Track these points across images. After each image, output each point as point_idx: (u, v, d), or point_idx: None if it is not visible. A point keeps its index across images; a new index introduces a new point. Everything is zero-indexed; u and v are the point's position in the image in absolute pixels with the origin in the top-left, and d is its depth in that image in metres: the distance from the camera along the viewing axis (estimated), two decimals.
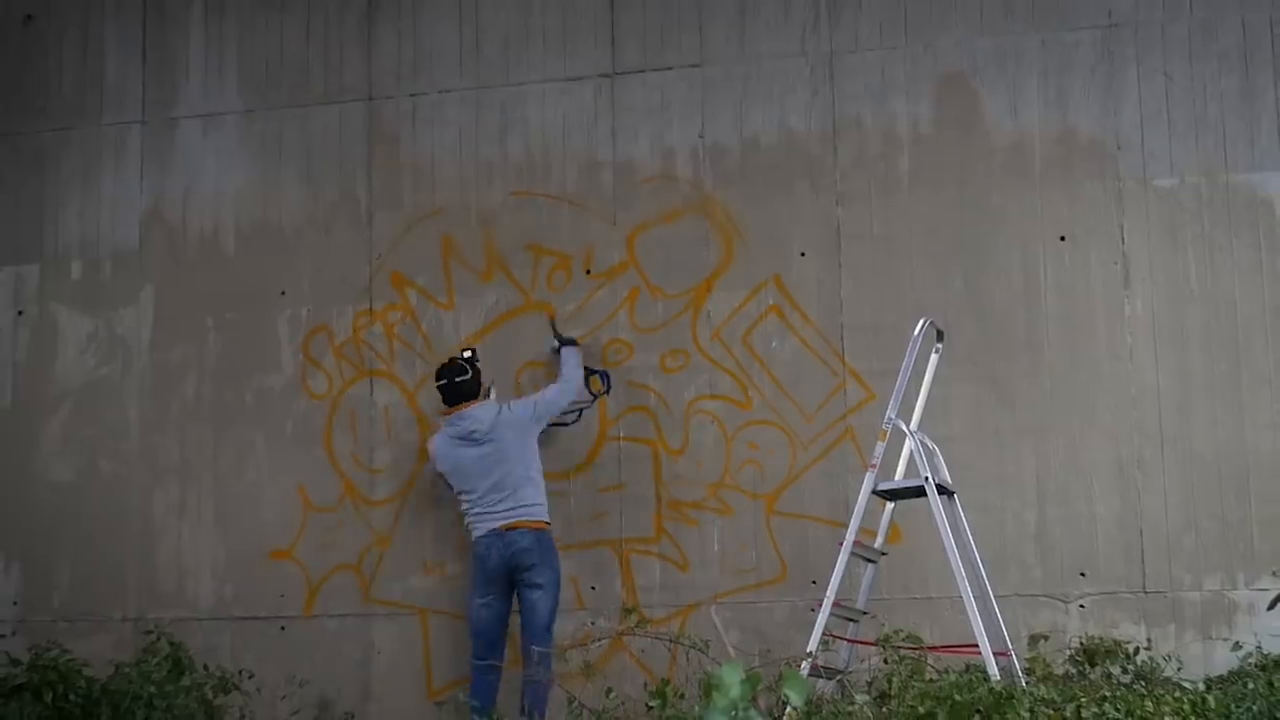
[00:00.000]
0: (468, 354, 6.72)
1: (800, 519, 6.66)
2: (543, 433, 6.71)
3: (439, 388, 6.65)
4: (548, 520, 6.56)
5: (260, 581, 7.09)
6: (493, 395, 6.73)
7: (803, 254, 6.81)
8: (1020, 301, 6.61)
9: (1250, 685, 5.13)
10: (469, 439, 6.55)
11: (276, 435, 7.17)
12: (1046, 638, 5.98)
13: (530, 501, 6.52)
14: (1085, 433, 6.49)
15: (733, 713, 2.20)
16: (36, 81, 7.67)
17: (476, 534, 6.54)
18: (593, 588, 6.80)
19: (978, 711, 4.47)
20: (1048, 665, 5.78)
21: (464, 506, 6.61)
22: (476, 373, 6.65)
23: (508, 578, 6.50)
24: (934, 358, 6.20)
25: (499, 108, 7.17)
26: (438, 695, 6.68)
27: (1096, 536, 6.43)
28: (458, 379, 6.60)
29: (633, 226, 6.97)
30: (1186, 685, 5.30)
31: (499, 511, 6.49)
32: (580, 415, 6.88)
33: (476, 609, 6.54)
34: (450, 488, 6.71)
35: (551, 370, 6.89)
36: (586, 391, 6.82)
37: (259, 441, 7.19)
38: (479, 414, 6.57)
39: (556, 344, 6.83)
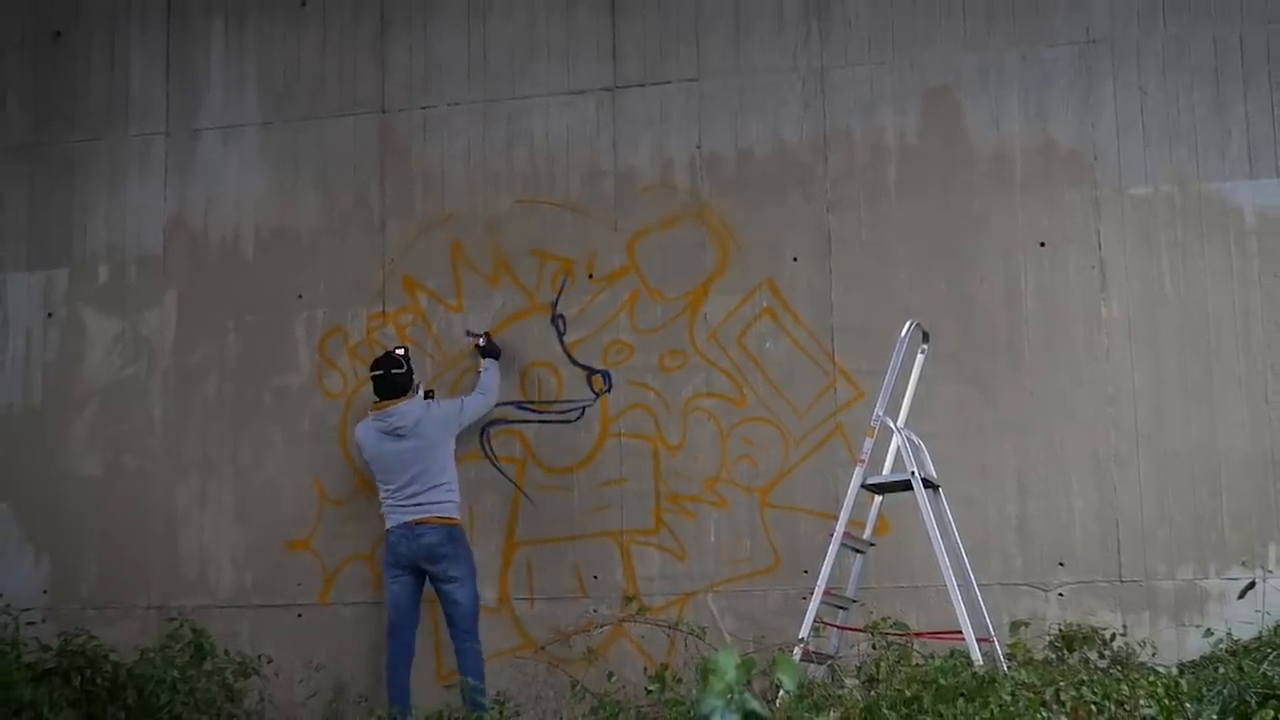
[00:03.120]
0: (402, 350, 6.77)
1: (792, 511, 6.65)
2: (546, 430, 6.70)
3: (373, 378, 6.69)
4: (457, 517, 6.60)
5: (278, 571, 7.09)
6: (419, 395, 6.73)
7: (795, 259, 6.81)
8: (1002, 304, 6.61)
9: (1221, 670, 5.12)
10: (393, 433, 6.59)
11: (294, 432, 7.17)
12: (1027, 624, 5.97)
13: (440, 500, 6.55)
14: (1064, 429, 6.49)
15: (728, 696, 2.20)
16: (65, 94, 7.67)
17: (389, 524, 6.60)
18: (595, 577, 6.80)
19: (962, 694, 4.46)
20: (1028, 651, 5.78)
21: (381, 496, 6.67)
22: (410, 370, 6.69)
23: (417, 567, 6.55)
24: (920, 358, 6.20)
25: (505, 119, 7.17)
26: (446, 679, 6.67)
27: (1075, 528, 6.43)
28: (393, 371, 6.64)
29: (633, 232, 6.97)
30: (1160, 670, 5.29)
31: (409, 505, 6.54)
32: (583, 413, 6.88)
33: (389, 586, 6.59)
34: (371, 475, 6.77)
35: (556, 371, 6.89)
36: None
37: (277, 438, 7.19)
38: (406, 410, 6.59)
39: (482, 346, 6.88)
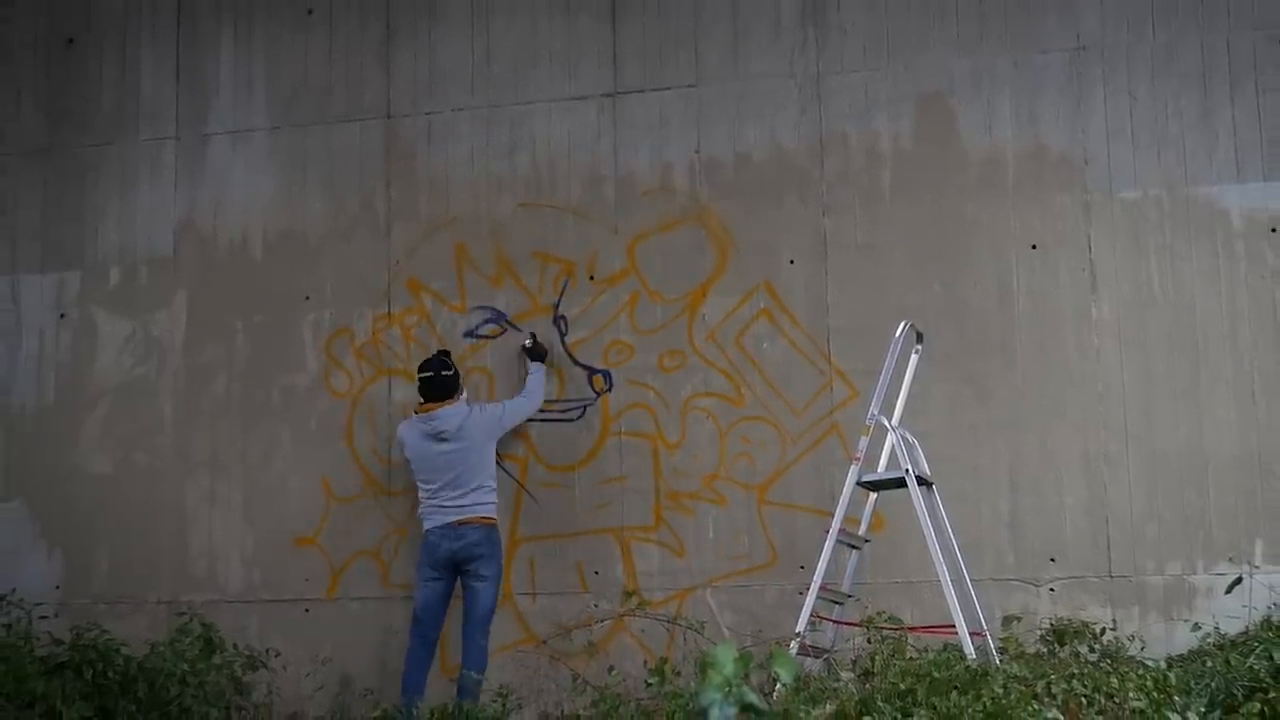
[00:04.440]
0: (444, 350, 6.78)
1: (789, 508, 6.65)
2: (548, 429, 6.71)
3: (422, 379, 6.66)
4: (495, 518, 6.61)
5: (286, 567, 7.09)
6: (464, 397, 6.72)
7: (792, 261, 6.81)
8: (994, 306, 6.61)
9: (1209, 663, 5.13)
10: (437, 436, 6.57)
11: (301, 430, 7.17)
12: (1019, 619, 5.98)
13: (482, 500, 6.56)
14: (1055, 428, 6.49)
15: (726, 689, 2.20)
16: (78, 100, 7.67)
17: (428, 525, 6.58)
18: (596, 572, 6.80)
19: (955, 687, 4.46)
20: (1020, 645, 5.78)
21: (421, 495, 6.65)
22: (457, 373, 6.70)
23: (454, 568, 6.55)
24: (914, 358, 6.21)
25: (508, 125, 7.17)
26: (450, 673, 6.67)
27: (1065, 525, 6.43)
28: (443, 373, 6.63)
29: (633, 235, 6.97)
30: (1149, 663, 5.29)
31: (452, 507, 6.53)
32: (584, 412, 6.88)
33: (422, 587, 6.58)
34: (412, 473, 6.73)
35: (558, 370, 6.89)
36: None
37: (285, 436, 7.19)
38: (450, 414, 6.58)
39: (529, 348, 6.84)
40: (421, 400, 6.68)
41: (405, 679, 6.50)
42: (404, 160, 7.26)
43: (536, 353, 6.84)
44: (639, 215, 6.97)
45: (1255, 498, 6.30)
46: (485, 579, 6.50)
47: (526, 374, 6.84)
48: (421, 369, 6.70)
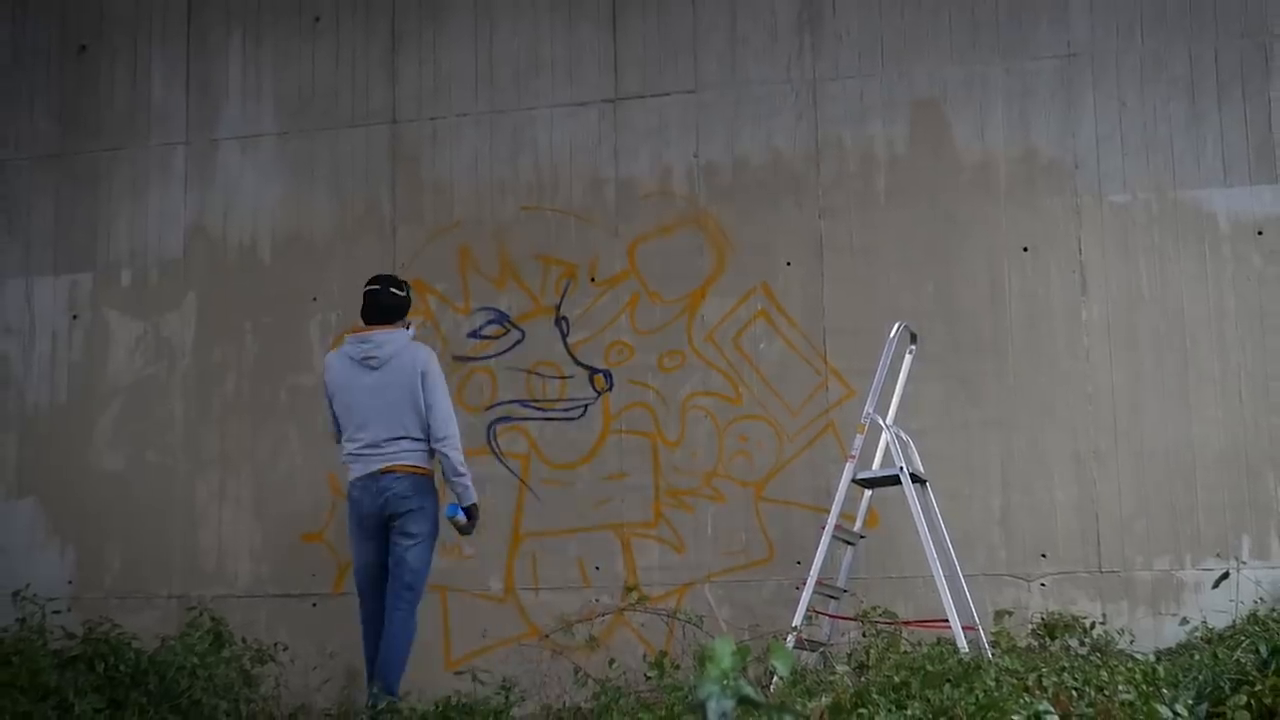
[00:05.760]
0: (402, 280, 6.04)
1: (786, 505, 6.65)
2: (550, 427, 6.70)
3: (366, 293, 5.82)
4: (428, 466, 5.72)
5: (293, 562, 7.09)
6: (410, 330, 5.96)
7: (788, 263, 6.81)
8: (987, 307, 6.61)
9: (1196, 657, 5.12)
10: (365, 363, 5.71)
11: (308, 429, 7.16)
12: (1010, 613, 5.98)
13: (412, 449, 5.65)
14: (1046, 426, 6.49)
15: (724, 682, 2.20)
16: (90, 106, 7.67)
17: (351, 476, 5.72)
18: (597, 568, 6.80)
19: (948, 680, 4.46)
20: (1012, 638, 5.78)
21: (342, 441, 5.83)
22: (409, 299, 5.89)
23: (382, 525, 5.65)
24: (908, 358, 6.21)
25: (511, 130, 7.17)
26: (455, 665, 6.67)
27: (1056, 521, 6.43)
28: (391, 289, 5.79)
29: (633, 238, 6.97)
30: (1138, 657, 5.29)
31: (375, 454, 5.65)
32: (585, 411, 6.88)
33: (355, 555, 5.80)
34: (334, 423, 5.94)
35: (559, 370, 6.89)
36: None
37: (292, 434, 7.19)
38: (386, 338, 5.67)
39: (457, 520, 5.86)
40: (362, 323, 5.88)
41: (370, 663, 5.82)
42: (409, 164, 7.26)
43: (467, 519, 5.88)
44: (639, 218, 6.98)
45: (1242, 494, 6.30)
46: (414, 537, 5.60)
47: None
48: (369, 281, 5.87)
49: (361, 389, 5.70)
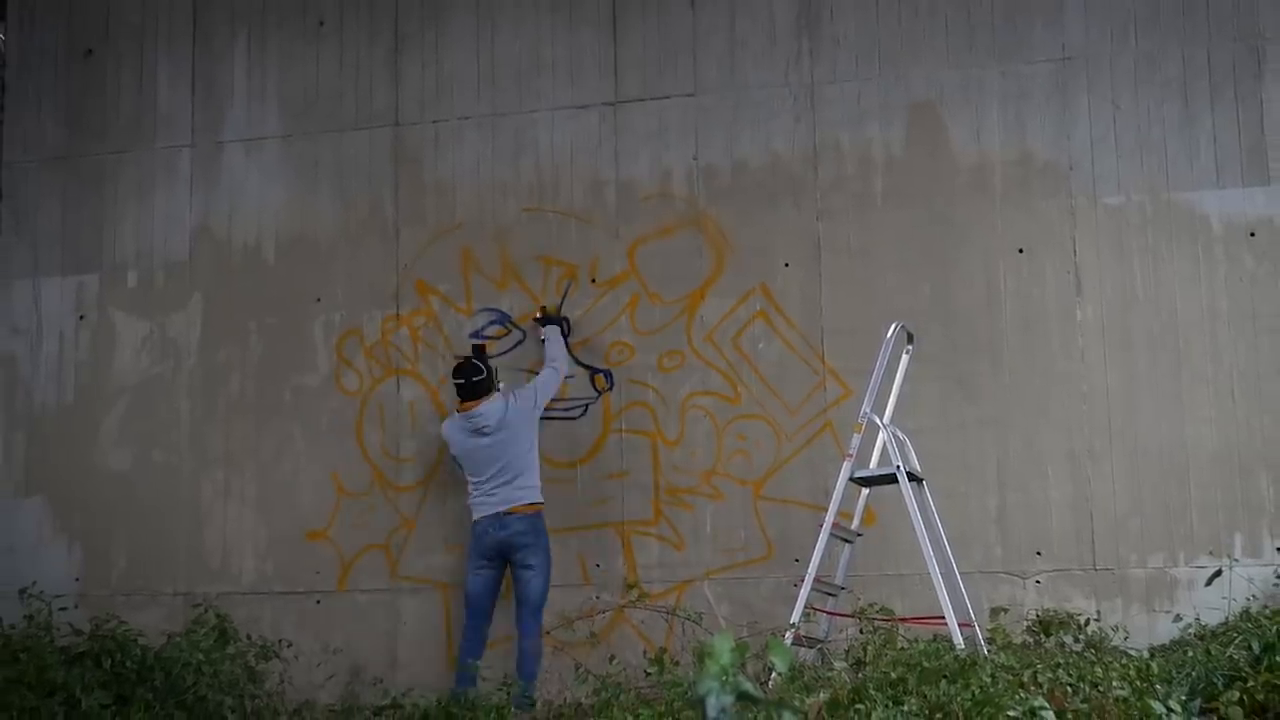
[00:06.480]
0: (478, 345, 6.78)
1: (784, 503, 6.66)
2: (551, 426, 6.71)
3: (457, 386, 6.64)
4: (541, 502, 6.56)
5: (298, 560, 7.10)
6: (501, 389, 6.71)
7: (786, 265, 6.81)
8: (983, 307, 6.61)
9: (1189, 653, 5.14)
10: (479, 432, 6.55)
11: (312, 428, 7.17)
12: (1006, 610, 5.98)
13: (526, 485, 6.52)
14: (1041, 426, 6.49)
15: (723, 678, 2.21)
16: (96, 109, 7.68)
17: (476, 515, 6.55)
18: (598, 565, 6.80)
19: (944, 676, 4.46)
20: (1007, 635, 5.79)
21: (469, 488, 6.62)
22: (490, 371, 6.65)
23: (502, 556, 6.53)
24: (905, 358, 6.21)
25: (513, 132, 7.18)
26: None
27: (1051, 519, 6.44)
28: (474, 379, 6.60)
29: (633, 239, 6.97)
30: (1132, 653, 5.30)
31: (498, 498, 6.50)
32: (586, 410, 6.89)
33: (471, 577, 6.56)
34: (458, 467, 6.73)
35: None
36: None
37: (296, 434, 7.20)
38: (489, 410, 6.55)
39: (540, 318, 6.83)
40: (460, 400, 6.66)
41: (459, 666, 6.46)
42: (412, 167, 7.26)
43: (549, 319, 6.82)
44: (639, 220, 6.98)
45: (1234, 493, 6.31)
46: (533, 568, 6.47)
47: (543, 341, 6.80)
48: (454, 375, 6.66)
49: (481, 449, 6.58)
